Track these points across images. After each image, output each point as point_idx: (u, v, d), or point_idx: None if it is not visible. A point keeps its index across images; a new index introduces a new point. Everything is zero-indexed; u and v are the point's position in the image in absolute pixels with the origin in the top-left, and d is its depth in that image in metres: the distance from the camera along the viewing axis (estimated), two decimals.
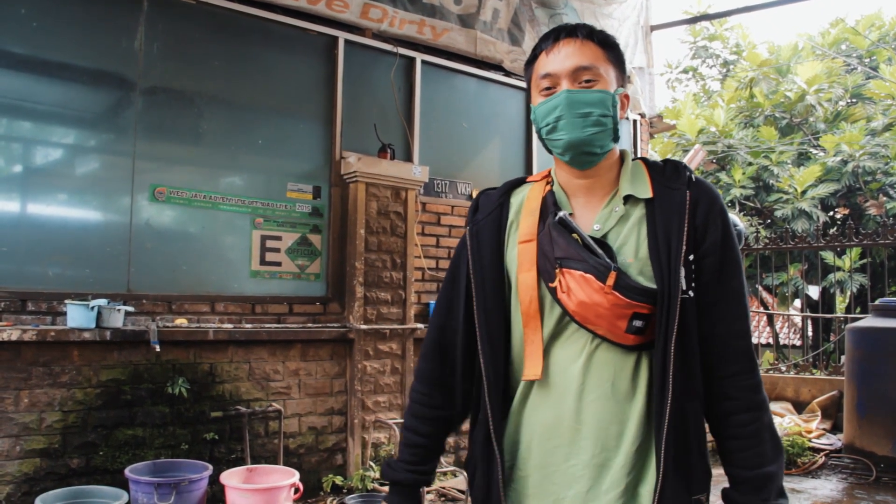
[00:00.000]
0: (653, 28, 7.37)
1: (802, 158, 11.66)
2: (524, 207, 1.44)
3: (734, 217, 7.49)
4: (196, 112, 4.45)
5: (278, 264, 4.70)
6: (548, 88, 1.37)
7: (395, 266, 4.98)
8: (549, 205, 1.39)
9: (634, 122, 6.98)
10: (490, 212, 1.47)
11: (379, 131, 5.11)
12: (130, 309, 3.99)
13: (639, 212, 1.35)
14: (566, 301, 1.30)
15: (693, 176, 1.38)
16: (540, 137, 1.42)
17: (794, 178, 10.72)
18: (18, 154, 3.95)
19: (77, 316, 3.75)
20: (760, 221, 11.54)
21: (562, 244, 1.32)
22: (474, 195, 5.68)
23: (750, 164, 11.36)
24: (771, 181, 11.18)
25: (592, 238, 1.32)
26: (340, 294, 4.89)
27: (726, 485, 1.38)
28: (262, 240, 4.64)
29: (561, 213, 1.35)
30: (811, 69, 11.41)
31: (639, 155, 6.93)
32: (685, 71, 15.01)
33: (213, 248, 4.48)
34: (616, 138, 1.38)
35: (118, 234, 4.12)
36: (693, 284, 1.30)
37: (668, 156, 12.40)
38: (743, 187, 11.20)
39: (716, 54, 14.27)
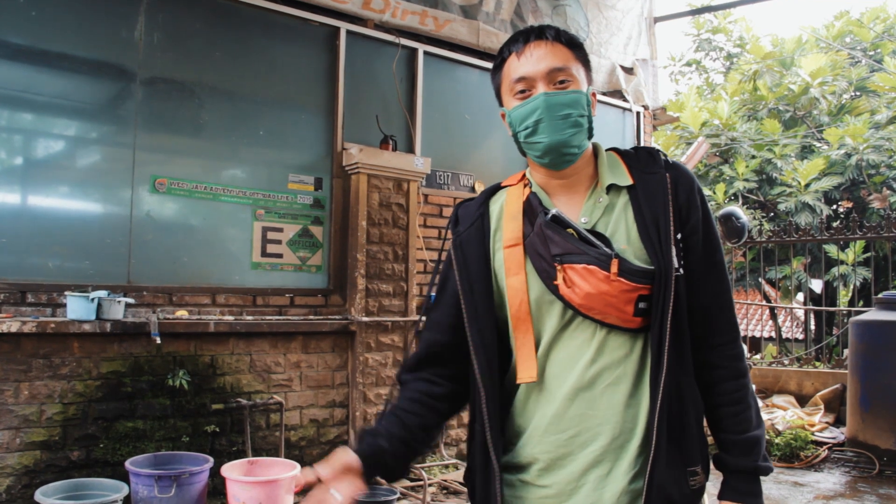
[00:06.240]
0: (656, 20, 7.32)
1: (806, 151, 11.62)
2: (505, 213, 1.44)
3: (738, 210, 7.48)
4: (197, 103, 4.42)
5: (280, 256, 4.68)
6: (522, 91, 1.38)
7: (397, 258, 4.96)
8: (535, 206, 1.39)
9: (638, 114, 6.94)
10: (472, 222, 1.46)
11: (381, 123, 5.08)
12: (131, 301, 3.97)
13: (622, 199, 1.38)
14: (571, 296, 1.31)
15: (668, 159, 1.42)
16: (516, 141, 1.43)
17: (798, 172, 10.69)
18: (18, 145, 3.92)
19: (77, 308, 3.73)
20: (764, 214, 11.51)
21: (558, 241, 1.32)
22: (477, 187, 5.65)
23: (753, 157, 11.33)
24: (774, 174, 11.16)
25: (586, 230, 1.34)
26: (342, 286, 4.87)
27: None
28: (264, 231, 4.62)
29: (553, 211, 1.36)
30: (815, 62, 11.36)
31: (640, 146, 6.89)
32: (689, 64, 14.96)
33: (214, 240, 4.46)
34: (590, 136, 1.41)
35: (119, 226, 4.10)
36: (682, 262, 1.34)
37: (672, 149, 12.36)
38: (746, 180, 11.17)
39: (719, 47, 14.22)
